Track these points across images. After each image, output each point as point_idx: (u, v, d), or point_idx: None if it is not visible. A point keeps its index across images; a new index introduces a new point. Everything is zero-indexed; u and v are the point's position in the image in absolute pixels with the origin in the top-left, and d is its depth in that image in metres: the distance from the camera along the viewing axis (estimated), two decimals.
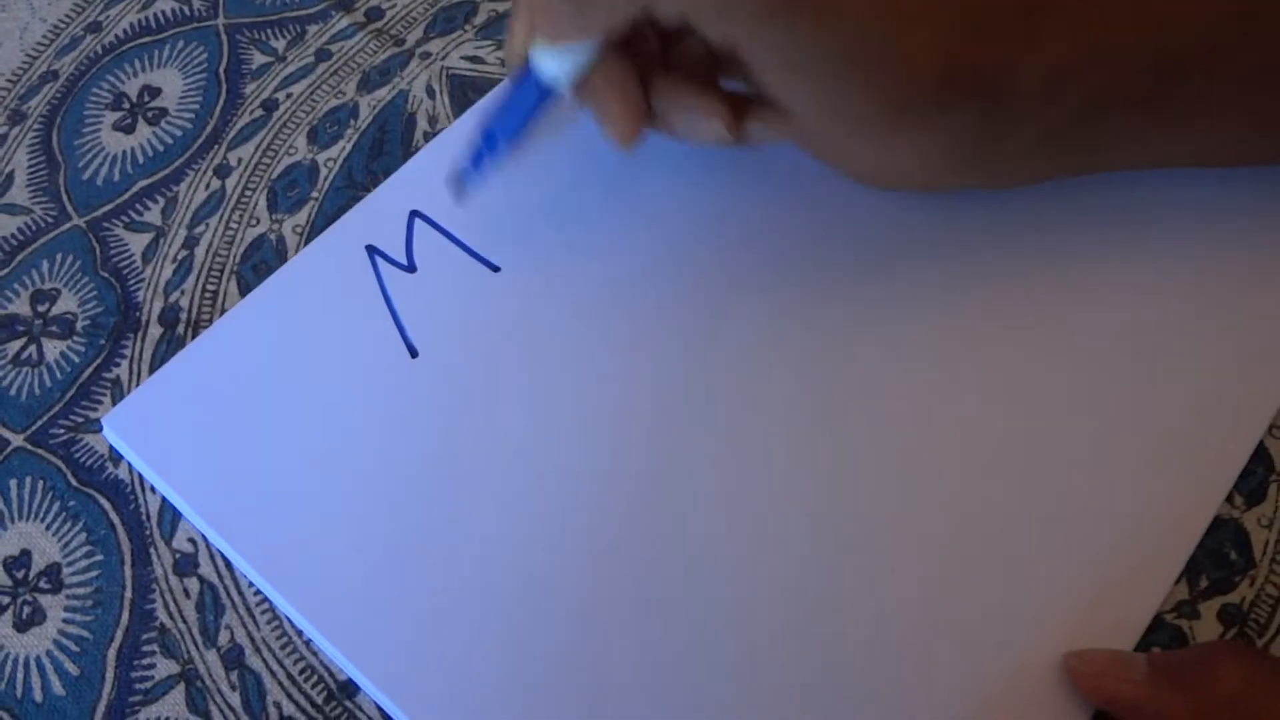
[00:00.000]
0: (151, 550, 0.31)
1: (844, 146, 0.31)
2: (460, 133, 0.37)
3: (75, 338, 0.35)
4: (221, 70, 0.41)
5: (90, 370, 0.34)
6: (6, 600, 0.31)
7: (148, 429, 0.32)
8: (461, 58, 0.40)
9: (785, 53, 0.28)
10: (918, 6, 0.27)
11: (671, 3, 0.27)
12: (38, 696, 0.29)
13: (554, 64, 0.30)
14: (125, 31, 0.42)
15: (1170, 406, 0.31)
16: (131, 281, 0.36)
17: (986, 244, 0.34)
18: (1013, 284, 0.33)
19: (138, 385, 0.34)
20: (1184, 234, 0.33)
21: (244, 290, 0.35)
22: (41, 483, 0.32)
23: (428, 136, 0.38)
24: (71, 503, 0.32)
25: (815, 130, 0.30)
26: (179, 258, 0.36)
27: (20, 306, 0.36)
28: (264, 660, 0.30)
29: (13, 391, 0.34)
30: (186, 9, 0.43)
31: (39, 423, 0.34)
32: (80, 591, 0.31)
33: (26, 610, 0.31)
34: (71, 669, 0.30)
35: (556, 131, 0.37)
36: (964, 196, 0.34)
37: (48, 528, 0.32)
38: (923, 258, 0.33)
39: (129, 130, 0.39)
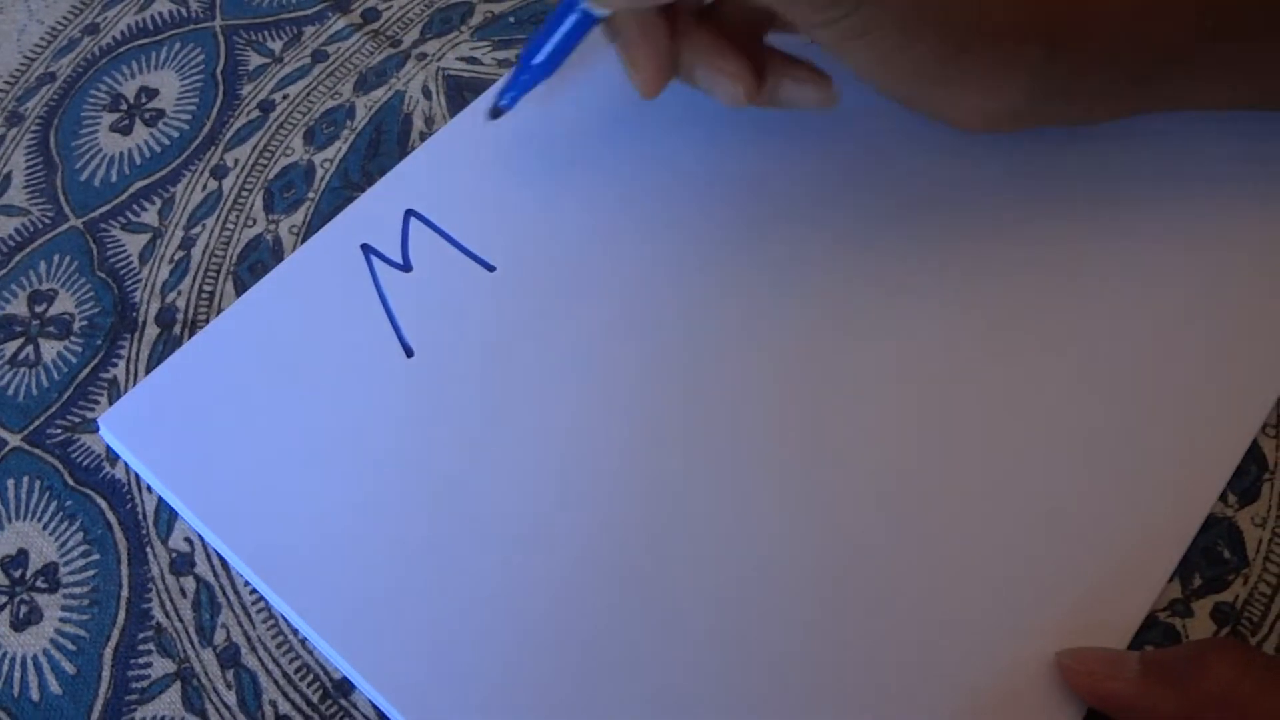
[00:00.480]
0: (148, 549, 0.31)
1: (907, 89, 0.31)
2: (456, 132, 0.37)
3: (72, 338, 0.35)
4: (218, 71, 0.41)
5: (87, 371, 0.34)
6: (3, 600, 0.31)
7: (144, 429, 0.32)
8: (457, 59, 0.40)
9: (850, 23, 0.28)
10: None
11: None
12: (34, 696, 0.29)
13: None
14: (122, 33, 0.42)
15: (1164, 405, 0.31)
16: (128, 282, 0.36)
17: (977, 243, 0.34)
18: (1005, 286, 0.33)
19: (134, 386, 0.34)
20: (1178, 236, 0.34)
21: (240, 290, 0.35)
22: (39, 482, 0.33)
23: (424, 137, 0.38)
24: (68, 502, 0.32)
25: (880, 84, 0.30)
26: (176, 258, 0.36)
27: (18, 307, 0.36)
28: (260, 659, 0.30)
29: (10, 392, 0.34)
30: (184, 10, 0.43)
31: (36, 423, 0.34)
32: (77, 591, 0.31)
33: (23, 609, 0.31)
34: (68, 668, 0.30)
35: (552, 132, 0.37)
36: (949, 185, 0.34)
37: (45, 527, 0.32)
38: (914, 261, 0.34)
39: (126, 131, 0.40)
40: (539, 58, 0.33)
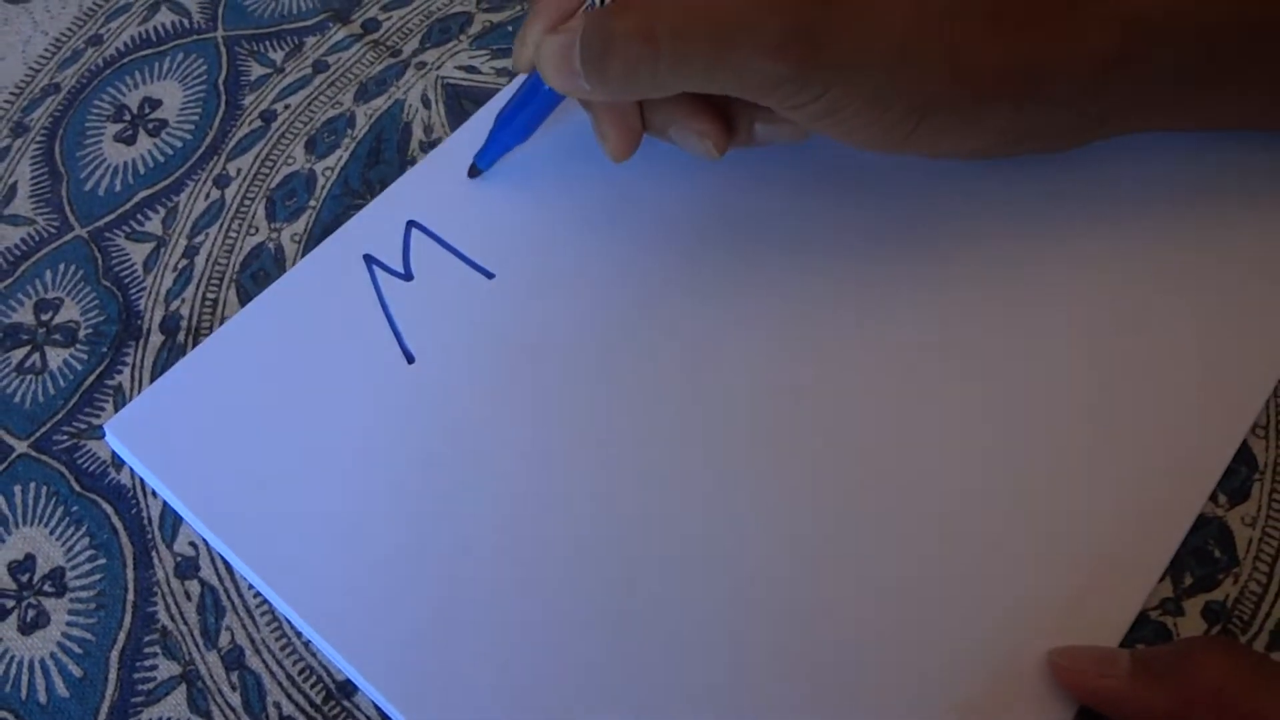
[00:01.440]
0: (153, 554, 0.32)
1: (875, 145, 0.31)
2: (457, 146, 0.38)
3: (78, 346, 0.36)
4: (221, 82, 0.41)
5: (93, 378, 0.35)
6: (11, 604, 0.31)
7: (149, 435, 0.32)
8: (456, 67, 0.40)
9: (819, 105, 0.29)
10: (955, 20, 0.28)
11: (699, 88, 0.29)
12: (42, 698, 0.30)
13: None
14: (126, 44, 0.43)
15: (1155, 406, 0.31)
16: (133, 290, 0.37)
17: (967, 249, 0.34)
18: (994, 292, 0.33)
19: (139, 392, 0.34)
20: (1167, 240, 0.34)
21: (243, 298, 0.36)
22: (45, 488, 0.33)
23: (423, 145, 0.38)
24: (74, 508, 0.33)
25: (854, 145, 0.31)
26: (179, 267, 0.37)
27: (24, 315, 0.36)
28: (264, 661, 0.30)
29: (17, 399, 0.35)
30: (186, 22, 0.43)
31: (43, 429, 0.34)
32: (83, 595, 0.31)
33: (31, 613, 0.31)
34: (75, 671, 0.30)
35: (547, 141, 0.37)
36: (938, 192, 0.35)
37: (51, 532, 0.32)
38: (906, 267, 0.34)
39: (130, 141, 0.40)
40: (514, 133, 0.35)
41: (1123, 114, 0.32)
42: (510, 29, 0.41)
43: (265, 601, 0.31)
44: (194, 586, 0.31)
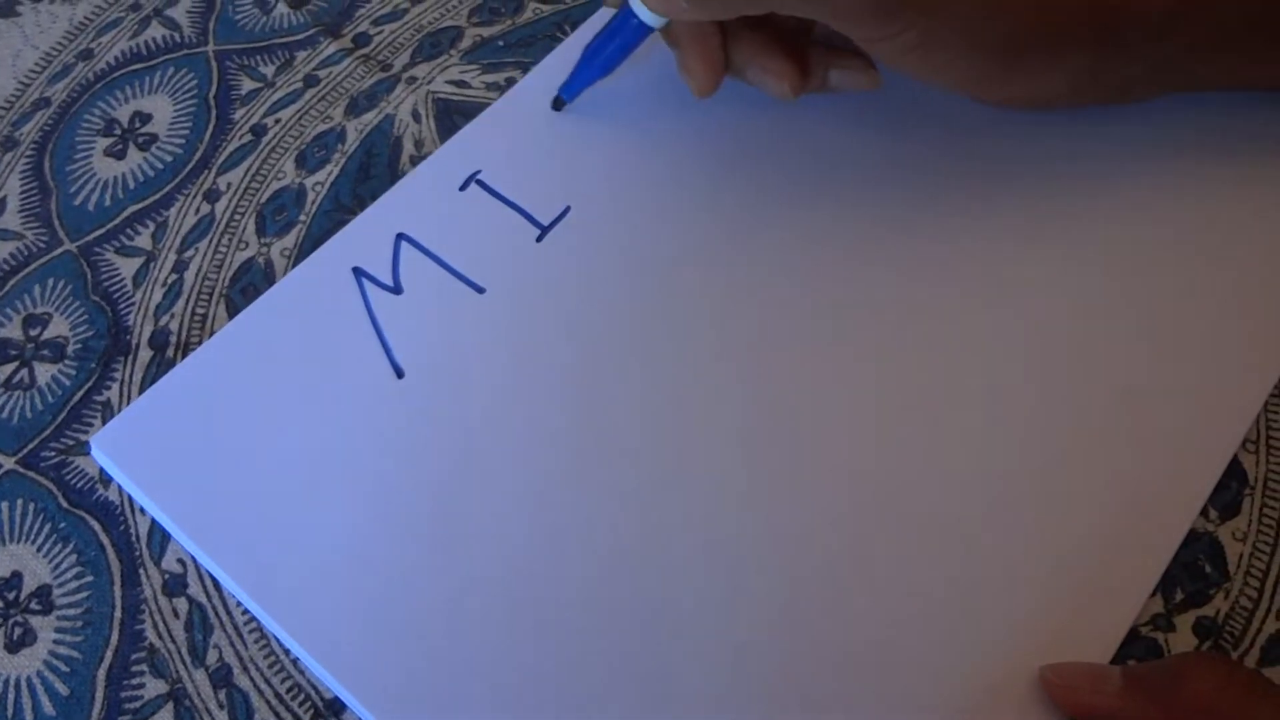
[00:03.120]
0: (141, 571, 0.32)
1: (955, 86, 0.33)
2: (446, 158, 0.38)
3: (66, 361, 0.35)
4: (211, 96, 0.41)
5: (81, 393, 0.35)
6: None
7: (135, 449, 0.32)
8: (447, 82, 0.40)
9: (907, 38, 0.30)
10: None
11: (793, 9, 0.30)
12: (28, 717, 0.30)
13: (649, 13, 0.33)
14: (116, 59, 0.43)
15: (1145, 421, 0.31)
16: (122, 305, 0.36)
17: (950, 259, 0.34)
18: (983, 305, 0.33)
19: (127, 406, 0.34)
20: (1156, 256, 0.34)
21: (233, 313, 0.36)
22: (33, 505, 0.33)
23: (414, 160, 0.38)
24: (62, 524, 0.32)
25: (932, 84, 0.33)
26: (169, 282, 0.37)
27: (12, 331, 0.36)
28: (251, 679, 0.30)
29: (4, 415, 0.35)
30: (177, 36, 0.43)
31: (30, 445, 0.34)
32: (70, 612, 0.31)
33: (18, 631, 0.31)
34: (62, 689, 0.30)
35: (537, 157, 0.37)
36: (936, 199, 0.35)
37: (39, 549, 0.32)
38: (886, 283, 0.34)
39: (120, 156, 0.40)
40: (599, 65, 0.36)
41: (1188, 65, 0.33)
42: (500, 44, 0.41)
43: (253, 619, 0.31)
44: (182, 604, 0.31)
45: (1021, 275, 0.34)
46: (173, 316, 0.36)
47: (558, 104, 0.38)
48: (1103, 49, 0.32)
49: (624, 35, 0.35)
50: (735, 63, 0.34)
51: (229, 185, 0.39)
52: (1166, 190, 0.35)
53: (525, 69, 0.40)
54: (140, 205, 0.39)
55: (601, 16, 0.39)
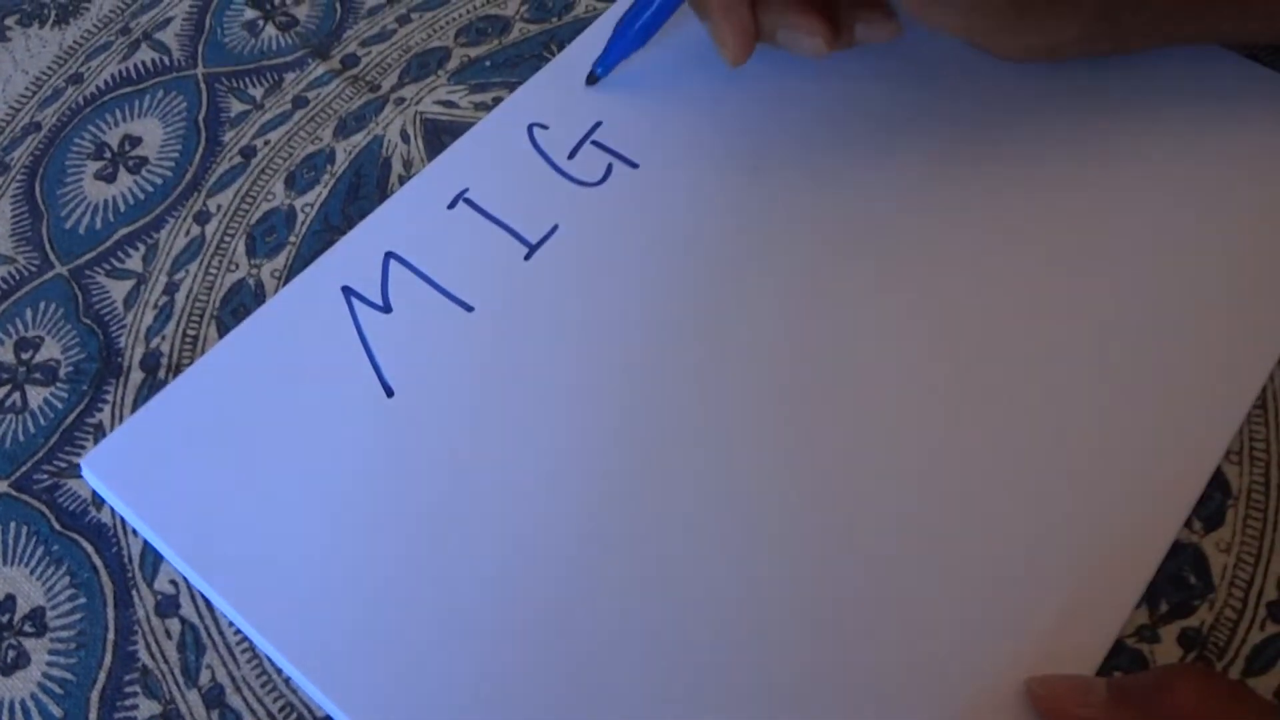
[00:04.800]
0: (133, 592, 0.32)
1: (978, 35, 0.35)
2: (434, 176, 0.38)
3: (58, 384, 0.36)
4: (201, 119, 0.42)
5: (73, 416, 0.35)
6: None
7: (126, 471, 0.32)
8: (435, 102, 0.41)
9: None
10: None
11: None
12: None
13: None
14: (106, 82, 0.43)
15: (1129, 433, 0.31)
16: (113, 328, 0.37)
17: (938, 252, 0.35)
18: (956, 322, 0.34)
19: (118, 427, 0.34)
20: (1137, 263, 0.34)
21: (224, 335, 0.36)
22: (25, 528, 0.33)
23: (403, 180, 0.39)
24: (55, 547, 0.33)
25: (951, 32, 0.34)
26: (160, 304, 0.37)
27: (4, 354, 0.36)
28: (244, 699, 0.30)
29: None
30: (166, 59, 0.43)
31: (23, 469, 0.34)
32: (64, 635, 0.31)
33: (11, 654, 0.31)
34: (55, 711, 0.30)
35: (524, 174, 0.37)
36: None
37: (32, 572, 0.32)
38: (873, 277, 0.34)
39: (110, 179, 0.40)
40: (633, 38, 0.38)
41: (1192, 15, 0.34)
42: (488, 64, 0.42)
43: (246, 639, 0.31)
44: (174, 624, 0.31)
45: (1008, 288, 0.34)
46: (164, 339, 0.36)
47: (591, 79, 0.39)
48: None
49: (656, 6, 0.36)
50: (765, 27, 0.35)
51: (219, 207, 0.39)
52: (1153, 199, 0.35)
53: (512, 88, 0.40)
54: (131, 228, 0.39)
55: None
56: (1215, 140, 0.36)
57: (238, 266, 0.38)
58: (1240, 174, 0.36)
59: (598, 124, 0.39)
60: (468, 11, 0.43)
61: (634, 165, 0.38)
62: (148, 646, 0.31)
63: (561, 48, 0.41)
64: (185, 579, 0.32)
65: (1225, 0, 0.34)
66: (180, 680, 0.30)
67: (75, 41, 0.45)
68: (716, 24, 0.35)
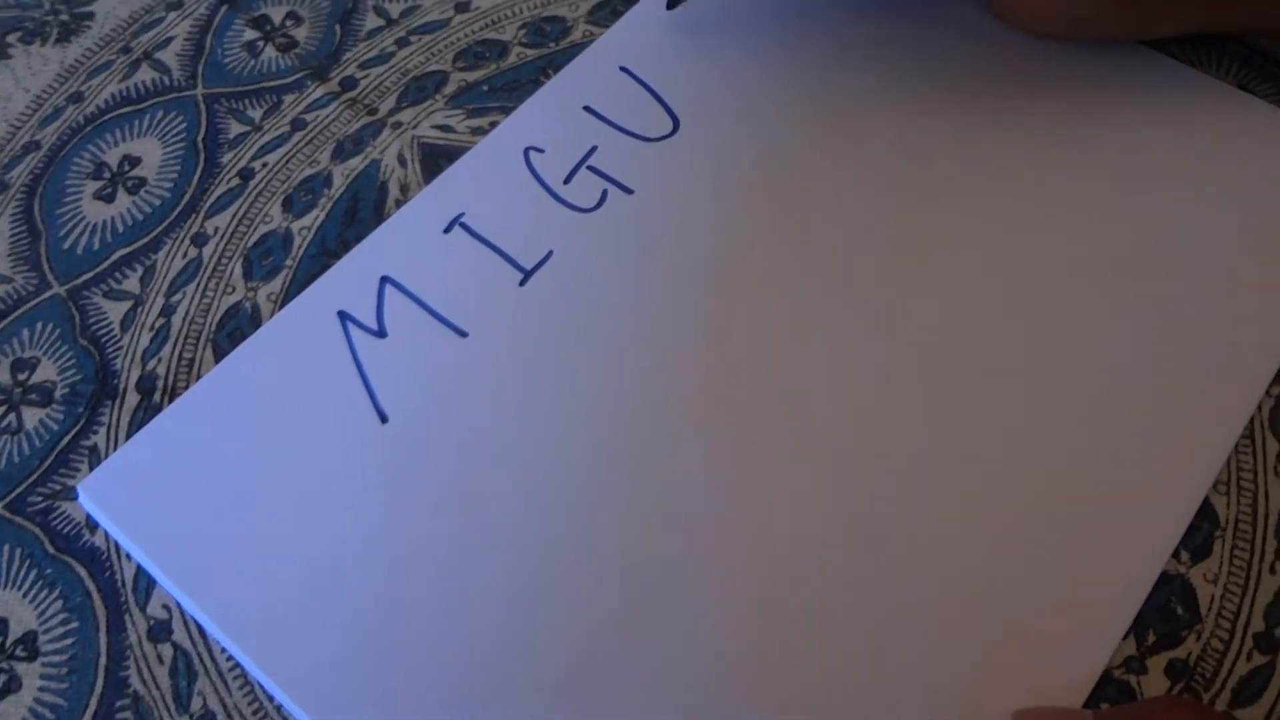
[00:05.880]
0: (126, 617, 0.32)
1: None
2: (431, 199, 0.38)
3: (54, 405, 0.36)
4: (200, 139, 0.42)
5: (68, 438, 0.35)
6: None
7: (122, 496, 0.33)
8: (432, 127, 0.41)
9: None
10: None
11: None
12: None
13: None
14: (106, 102, 0.43)
15: (1116, 463, 0.32)
16: (110, 349, 0.37)
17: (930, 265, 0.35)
18: (946, 345, 0.34)
19: (114, 453, 0.34)
20: (1126, 292, 0.35)
21: (220, 358, 0.36)
22: (19, 550, 0.33)
23: (399, 204, 0.39)
24: (48, 570, 0.33)
25: None
26: (156, 326, 0.37)
27: (1, 375, 0.37)
28: None
29: None
30: (166, 79, 0.44)
31: (17, 490, 0.34)
32: (56, 659, 0.31)
33: (2, 679, 0.31)
34: None
35: (522, 201, 0.38)
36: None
37: (24, 595, 0.32)
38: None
39: (109, 199, 0.40)
40: None
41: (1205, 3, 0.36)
42: (485, 88, 0.42)
43: (238, 665, 0.31)
44: (166, 650, 0.31)
45: (994, 320, 0.34)
46: (160, 361, 0.36)
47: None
48: None
49: None
50: None
51: (216, 229, 0.39)
52: (1143, 227, 0.36)
53: (509, 113, 0.40)
54: (129, 249, 0.39)
55: None
56: (1210, 168, 0.37)
57: (234, 289, 0.38)
58: (1232, 202, 0.36)
59: (593, 148, 0.39)
60: (466, 35, 0.44)
61: (629, 191, 0.38)
62: (139, 672, 0.31)
63: (559, 71, 0.42)
64: (178, 604, 0.32)
65: None
66: (172, 707, 0.30)
67: (76, 60, 0.45)
68: None
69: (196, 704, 0.30)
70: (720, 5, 0.41)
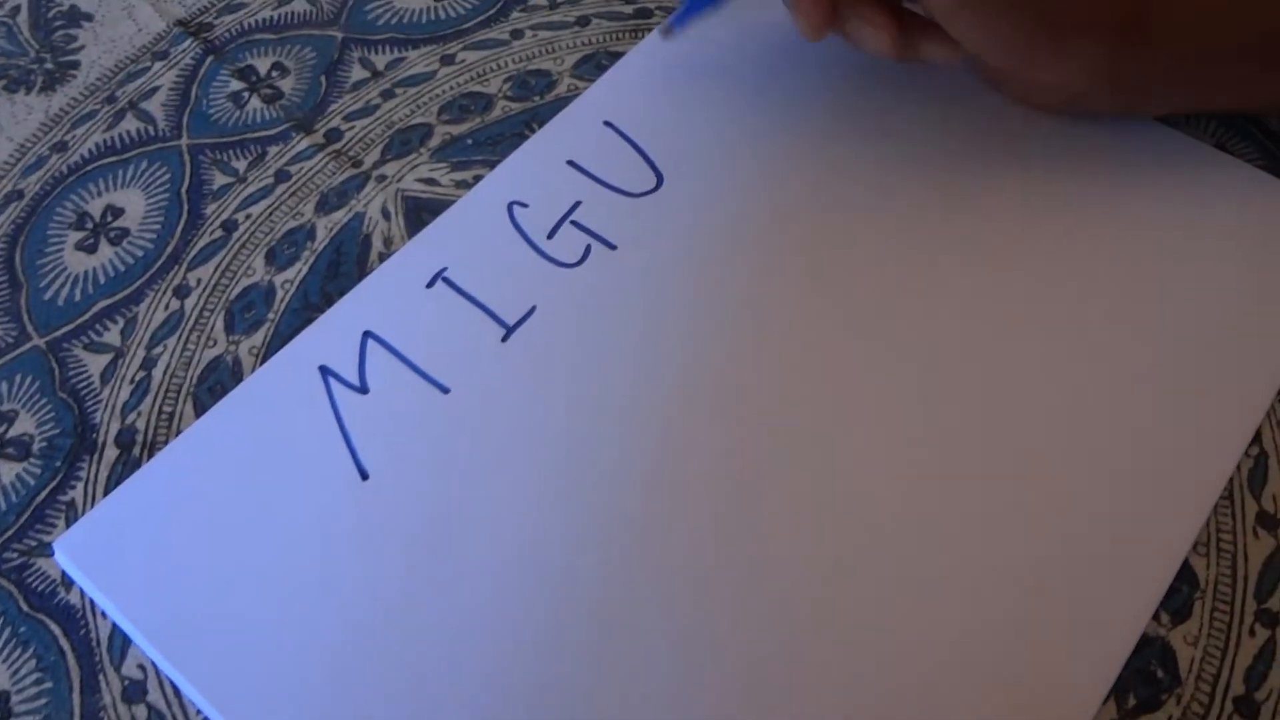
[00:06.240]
0: (100, 677, 0.31)
1: (1000, 69, 0.38)
2: (414, 253, 0.38)
3: (31, 460, 0.36)
4: (184, 191, 0.42)
5: (45, 493, 0.35)
6: None
7: (99, 553, 0.32)
8: (416, 180, 0.41)
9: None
10: None
11: None
12: None
13: None
14: (90, 151, 0.43)
15: (1095, 525, 0.32)
16: (89, 403, 0.37)
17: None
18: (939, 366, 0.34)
19: (92, 508, 0.34)
20: (1109, 349, 0.35)
21: (200, 412, 0.36)
22: None
23: (383, 258, 0.39)
24: (22, 629, 0.32)
25: (974, 53, 0.36)
26: (137, 379, 0.37)
27: None
28: None
29: None
30: (151, 129, 0.44)
31: None
32: None
33: None
34: None
35: (505, 256, 0.38)
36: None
37: None
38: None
39: (91, 250, 0.40)
40: None
41: (1202, 73, 0.36)
42: (470, 142, 0.42)
43: None
44: (141, 711, 0.31)
45: (973, 375, 0.34)
46: (139, 415, 0.36)
47: (666, 31, 0.41)
48: (1124, 41, 0.34)
49: None
50: (841, 12, 0.37)
51: (199, 281, 0.39)
52: (1125, 287, 0.36)
53: (493, 167, 0.41)
54: (110, 300, 0.39)
55: None
56: (1187, 227, 0.37)
57: (216, 343, 0.38)
58: (1207, 262, 0.36)
59: (577, 203, 0.39)
60: (451, 88, 0.44)
61: (613, 246, 0.38)
62: None
63: (543, 125, 0.42)
64: (154, 664, 0.31)
65: (1241, 66, 0.36)
66: None
67: (61, 109, 0.45)
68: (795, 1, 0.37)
69: None
70: (713, 48, 0.42)
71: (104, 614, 0.32)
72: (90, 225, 0.41)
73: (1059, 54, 0.35)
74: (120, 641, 0.32)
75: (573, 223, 0.39)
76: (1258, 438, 0.34)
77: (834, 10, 0.37)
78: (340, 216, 0.40)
